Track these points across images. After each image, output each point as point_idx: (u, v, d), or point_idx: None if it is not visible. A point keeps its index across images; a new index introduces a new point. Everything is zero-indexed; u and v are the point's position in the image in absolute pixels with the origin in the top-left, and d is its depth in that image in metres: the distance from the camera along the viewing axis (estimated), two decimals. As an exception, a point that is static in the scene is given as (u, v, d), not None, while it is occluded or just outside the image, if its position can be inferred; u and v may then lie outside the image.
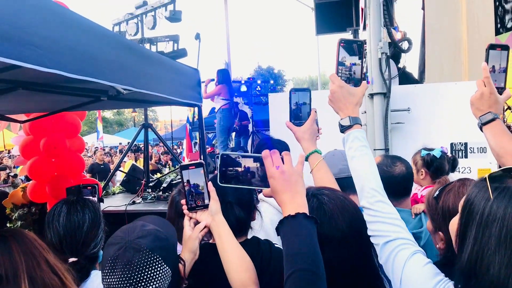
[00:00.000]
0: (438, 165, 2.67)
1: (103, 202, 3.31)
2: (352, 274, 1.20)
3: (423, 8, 6.17)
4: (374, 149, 3.47)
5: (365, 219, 1.28)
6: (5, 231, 1.38)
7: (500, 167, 1.47)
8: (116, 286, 1.19)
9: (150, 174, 5.15)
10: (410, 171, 2.29)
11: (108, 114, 43.17)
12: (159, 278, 1.21)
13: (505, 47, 1.56)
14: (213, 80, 8.31)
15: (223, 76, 8.18)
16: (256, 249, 1.50)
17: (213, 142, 11.84)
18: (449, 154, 2.87)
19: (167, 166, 12.05)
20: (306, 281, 1.01)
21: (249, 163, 1.24)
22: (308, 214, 1.12)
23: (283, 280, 1.04)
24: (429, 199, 1.59)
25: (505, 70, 1.57)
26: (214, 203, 1.40)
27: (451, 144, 3.53)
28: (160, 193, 4.43)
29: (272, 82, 16.83)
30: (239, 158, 1.25)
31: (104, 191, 4.87)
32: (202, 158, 4.43)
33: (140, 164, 7.81)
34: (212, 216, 1.39)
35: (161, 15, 3.97)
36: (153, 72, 2.47)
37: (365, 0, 3.59)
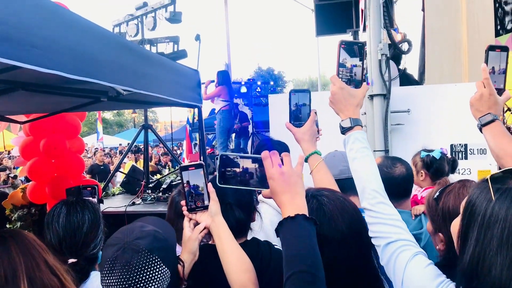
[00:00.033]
0: (437, 167, 2.67)
1: (102, 203, 3.31)
2: (352, 275, 1.19)
3: (423, 10, 6.18)
4: (374, 151, 3.47)
5: (366, 221, 1.28)
6: (5, 231, 1.37)
7: (500, 168, 1.47)
8: (115, 287, 1.18)
9: (150, 175, 5.15)
10: (410, 172, 2.29)
11: (108, 115, 43.18)
12: (158, 279, 1.21)
13: (504, 48, 1.56)
14: (213, 81, 8.32)
15: (223, 77, 8.18)
16: (256, 250, 1.50)
17: (213, 143, 11.84)
18: (448, 155, 2.87)
19: (167, 167, 12.05)
20: (305, 283, 1.01)
21: (248, 164, 1.24)
22: (307, 215, 1.12)
23: (282, 281, 1.04)
24: (429, 200, 1.59)
25: (504, 71, 1.57)
26: (214, 204, 1.40)
27: (451, 145, 3.53)
28: (160, 194, 4.42)
29: (272, 83, 16.82)
30: (238, 159, 1.25)
31: (104, 192, 4.87)
32: (202, 159, 4.43)
33: (140, 165, 7.81)
34: (212, 217, 1.39)
35: (161, 16, 3.98)
36: (153, 73, 2.47)
37: (365, 2, 3.59)
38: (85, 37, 1.72)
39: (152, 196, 4.37)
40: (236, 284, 1.31)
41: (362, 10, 3.76)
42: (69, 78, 1.59)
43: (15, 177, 9.20)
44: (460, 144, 3.51)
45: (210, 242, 1.53)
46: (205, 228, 1.40)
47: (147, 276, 1.19)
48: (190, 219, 1.44)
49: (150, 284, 1.19)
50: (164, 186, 4.60)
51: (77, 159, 4.13)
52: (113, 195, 5.01)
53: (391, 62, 4.20)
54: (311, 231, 1.09)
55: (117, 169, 6.15)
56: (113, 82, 1.96)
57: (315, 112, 1.72)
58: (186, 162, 4.14)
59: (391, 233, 1.21)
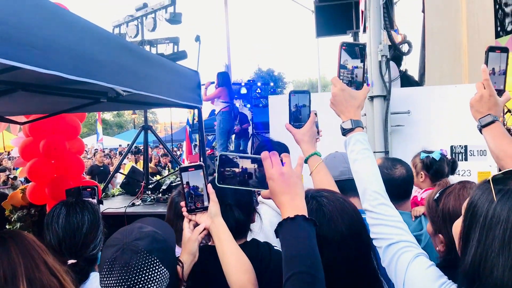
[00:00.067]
0: (437, 168, 2.67)
1: (102, 204, 3.31)
2: (351, 276, 1.19)
3: (423, 11, 6.18)
4: (374, 152, 3.47)
5: (368, 222, 1.28)
6: (4, 232, 1.37)
7: (499, 169, 1.47)
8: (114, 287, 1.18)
9: (149, 176, 5.15)
10: (411, 173, 2.29)
11: (108, 116, 43.19)
12: (157, 280, 1.21)
13: (504, 49, 1.56)
14: (213, 82, 8.33)
15: (223, 78, 8.19)
16: (255, 252, 1.50)
17: (213, 145, 11.85)
18: (448, 156, 2.87)
19: (167, 168, 12.05)
20: (305, 284, 1.00)
21: (248, 164, 1.24)
22: (307, 216, 1.12)
23: (282, 282, 1.04)
24: (430, 201, 1.59)
25: (504, 72, 1.57)
26: (214, 205, 1.40)
27: (451, 147, 3.52)
28: (160, 195, 4.43)
29: (272, 84, 16.82)
30: (238, 159, 1.25)
31: (104, 193, 4.87)
32: (201, 160, 4.43)
33: (140, 166, 7.81)
34: (212, 218, 1.39)
35: (161, 17, 3.99)
36: (153, 74, 2.47)
37: (365, 3, 3.59)
38: (85, 38, 1.72)
39: (152, 197, 4.37)
40: (235, 285, 1.30)
41: (362, 11, 3.76)
42: (69, 79, 1.59)
43: (15, 178, 9.19)
44: (460, 146, 3.51)
45: (209, 243, 1.53)
46: (204, 229, 1.40)
47: (146, 277, 1.19)
48: (190, 220, 1.43)
49: (149, 285, 1.19)
50: (164, 187, 4.60)
51: (76, 160, 4.13)
52: (113, 196, 5.01)
53: (392, 63, 4.21)
54: (310, 232, 1.09)
55: (117, 170, 6.15)
56: (112, 83, 1.96)
57: (315, 113, 1.72)
58: (186, 163, 4.14)
59: (393, 234, 1.21)
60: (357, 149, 1.38)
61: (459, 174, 3.32)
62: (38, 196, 3.91)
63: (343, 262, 1.18)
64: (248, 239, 1.59)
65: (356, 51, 1.46)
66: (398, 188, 2.17)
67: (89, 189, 2.43)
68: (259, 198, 2.11)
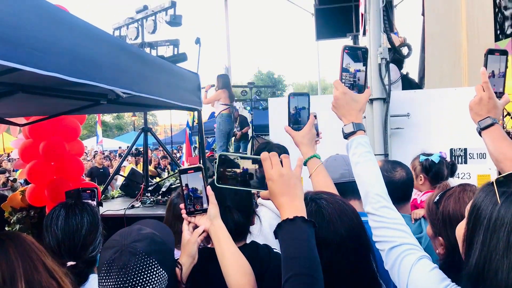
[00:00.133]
0: (436, 170, 2.66)
1: (102, 206, 3.30)
2: (350, 278, 1.19)
3: (423, 14, 6.20)
4: (374, 155, 3.45)
5: (370, 225, 1.28)
6: (3, 234, 1.37)
7: (499, 172, 1.47)
8: (113, 290, 1.18)
9: (149, 179, 5.14)
10: (410, 176, 2.28)
11: (108, 118, 43.21)
12: (155, 282, 1.21)
13: (503, 52, 1.56)
14: (213, 85, 8.34)
15: (223, 81, 8.20)
16: (255, 254, 1.50)
17: (212, 147, 11.85)
18: (448, 159, 2.87)
19: (166, 170, 12.05)
20: (304, 285, 1.00)
21: (247, 164, 1.24)
22: (306, 217, 1.12)
23: (281, 285, 1.04)
24: (430, 204, 1.59)
25: (504, 75, 1.57)
26: (213, 207, 1.40)
27: (451, 149, 3.52)
28: (159, 197, 4.42)
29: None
30: (237, 159, 1.25)
31: (103, 195, 4.86)
32: (201, 162, 4.43)
33: (140, 168, 7.81)
34: (211, 221, 1.39)
35: (162, 19, 3.99)
36: (153, 76, 2.47)
37: (365, 6, 3.60)
38: (85, 40, 1.73)
39: (152, 199, 4.37)
40: (235, 287, 1.30)
41: (362, 14, 3.77)
42: (69, 81, 1.59)
43: (15, 180, 9.19)
44: (459, 149, 3.51)
45: (209, 245, 1.53)
46: (204, 231, 1.40)
47: (144, 279, 1.19)
48: (189, 222, 1.43)
49: (147, 287, 1.19)
50: (163, 189, 4.60)
51: (76, 162, 4.13)
52: (112, 198, 5.00)
53: (394, 66, 4.21)
54: (309, 234, 1.09)
55: (117, 172, 6.14)
56: (112, 85, 1.96)
57: (315, 116, 1.72)
58: (185, 165, 4.14)
59: (395, 237, 1.21)
60: (359, 152, 1.39)
61: (458, 177, 3.31)
62: (37, 198, 3.91)
63: (342, 264, 1.18)
64: (248, 241, 1.59)
65: (359, 54, 1.47)
66: (398, 190, 2.17)
67: (89, 191, 2.42)
68: (259, 200, 2.11)
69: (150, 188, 4.70)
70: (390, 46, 3.66)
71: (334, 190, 1.57)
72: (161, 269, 1.23)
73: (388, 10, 3.77)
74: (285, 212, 1.14)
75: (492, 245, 0.92)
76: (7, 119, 3.50)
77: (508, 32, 4.88)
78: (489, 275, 0.91)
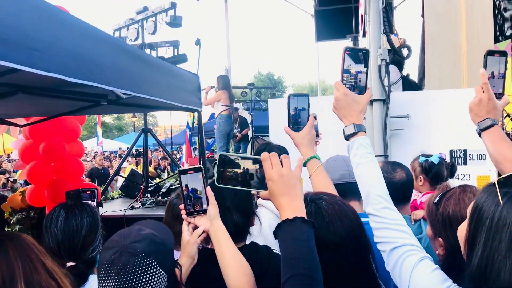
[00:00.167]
0: (436, 172, 2.66)
1: (102, 207, 3.30)
2: (350, 279, 1.19)
3: (422, 15, 6.20)
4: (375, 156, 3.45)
5: (371, 226, 1.28)
6: (2, 234, 1.37)
7: (499, 173, 1.47)
8: (112, 290, 1.18)
9: (149, 179, 5.14)
10: (410, 177, 2.29)
11: (108, 119, 43.21)
12: (154, 283, 1.21)
13: (503, 53, 1.57)
14: (213, 87, 8.35)
15: (223, 82, 8.21)
16: (254, 255, 1.50)
17: (212, 148, 11.85)
18: (448, 160, 2.87)
19: (166, 171, 12.05)
20: (303, 286, 1.00)
21: (247, 164, 1.24)
22: (306, 218, 1.12)
23: (280, 285, 1.04)
24: (430, 205, 1.59)
25: (503, 76, 1.57)
26: (213, 208, 1.40)
27: (450, 151, 3.52)
28: (159, 198, 4.42)
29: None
30: (238, 159, 1.25)
31: (103, 196, 4.86)
32: (201, 163, 4.43)
33: (141, 169, 7.82)
34: (211, 221, 1.39)
35: (162, 20, 4.00)
36: (153, 77, 2.48)
37: (365, 7, 3.60)
38: (85, 41, 1.73)
39: (151, 200, 4.37)
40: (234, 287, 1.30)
41: (362, 16, 3.77)
42: (69, 82, 1.59)
43: (15, 181, 9.19)
44: (459, 150, 3.51)
45: (208, 246, 1.53)
46: (203, 231, 1.40)
47: (144, 280, 1.19)
48: (189, 222, 1.43)
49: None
50: (163, 190, 4.60)
51: (76, 162, 4.13)
52: (112, 198, 5.00)
53: (394, 67, 4.21)
54: (309, 234, 1.09)
55: (117, 173, 6.14)
56: (113, 86, 1.96)
57: (314, 117, 1.72)
58: (185, 166, 4.14)
59: (397, 238, 1.21)
60: (360, 153, 1.39)
61: (458, 178, 3.31)
62: (37, 199, 3.91)
63: (341, 265, 1.18)
64: (247, 242, 1.59)
65: (360, 56, 1.47)
66: (398, 191, 2.17)
67: (89, 192, 2.42)
68: (259, 201, 2.11)
69: (150, 189, 4.70)
70: (390, 48, 3.66)
71: (333, 191, 1.58)
72: (160, 270, 1.23)
73: (388, 11, 3.77)
74: (284, 212, 1.14)
75: (495, 246, 0.92)
76: (7, 119, 3.50)
77: (508, 33, 4.88)
78: (491, 275, 0.91)
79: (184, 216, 1.43)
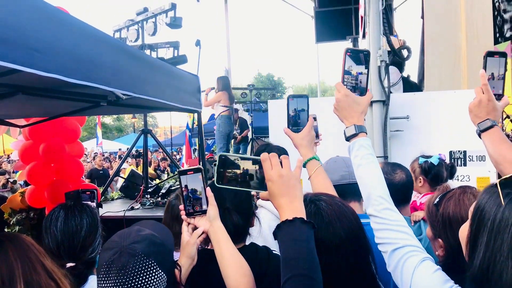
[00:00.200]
0: (436, 173, 2.66)
1: (101, 208, 3.30)
2: (349, 280, 1.19)
3: (422, 17, 6.20)
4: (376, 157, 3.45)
5: (373, 227, 1.28)
6: (2, 235, 1.37)
7: (499, 174, 1.47)
8: (112, 291, 1.18)
9: (149, 180, 5.14)
10: (410, 178, 2.29)
11: (108, 120, 43.19)
12: (154, 283, 1.20)
13: (503, 54, 1.57)
14: (213, 88, 8.35)
15: (223, 83, 8.22)
16: (254, 256, 1.50)
17: (212, 149, 11.85)
18: (447, 161, 2.87)
19: (166, 172, 12.04)
20: (303, 287, 1.00)
21: (247, 165, 1.24)
22: (305, 219, 1.12)
23: (280, 286, 1.04)
24: (430, 206, 1.59)
25: (503, 77, 1.57)
26: (212, 209, 1.40)
27: (450, 152, 3.52)
28: (159, 199, 4.42)
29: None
30: (237, 160, 1.25)
31: (103, 197, 4.86)
32: (201, 164, 4.43)
33: (141, 170, 7.81)
34: (210, 222, 1.39)
35: (162, 21, 4.00)
36: (153, 78, 2.48)
37: (365, 9, 3.61)
38: (85, 41, 1.73)
39: (151, 201, 4.37)
40: (234, 289, 1.30)
41: (361, 17, 3.78)
42: (69, 82, 1.59)
43: (15, 182, 9.18)
44: (459, 151, 3.51)
45: (208, 247, 1.53)
46: (203, 232, 1.40)
47: (143, 280, 1.19)
48: (189, 223, 1.43)
49: (146, 288, 1.19)
50: (163, 191, 4.60)
51: (76, 163, 4.13)
52: (112, 199, 5.00)
53: (394, 68, 4.22)
54: (309, 235, 1.09)
55: (116, 173, 6.14)
56: (112, 87, 1.96)
57: (314, 118, 1.72)
58: (185, 167, 4.14)
59: (398, 239, 1.21)
60: (361, 154, 1.39)
61: (458, 179, 3.31)
62: (37, 199, 3.91)
63: (341, 266, 1.18)
64: (247, 243, 1.58)
65: (361, 57, 1.48)
66: (398, 193, 2.16)
67: (88, 193, 2.42)
68: (258, 202, 2.11)
69: (149, 190, 4.70)
70: (389, 49, 3.67)
71: (333, 192, 1.58)
72: (160, 271, 1.23)
73: (387, 12, 3.78)
74: (284, 213, 1.14)
75: (497, 247, 0.92)
76: (7, 120, 3.50)
77: (508, 35, 4.89)
78: (493, 276, 0.91)
79: (183, 216, 1.43)
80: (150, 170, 9.27)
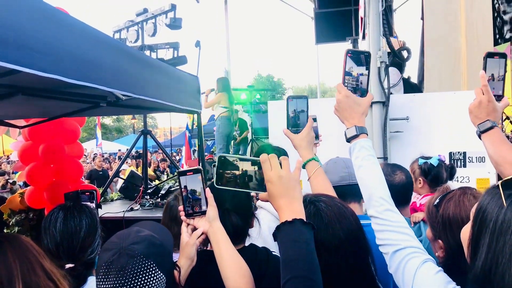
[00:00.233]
0: (435, 174, 2.66)
1: (101, 208, 3.30)
2: (349, 281, 1.19)
3: (422, 18, 6.21)
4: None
5: (374, 228, 1.28)
6: (1, 236, 1.37)
7: (498, 176, 1.46)
8: (111, 292, 1.18)
9: (148, 181, 5.14)
10: (410, 180, 2.28)
11: (108, 120, 43.19)
12: (153, 284, 1.20)
13: (502, 55, 1.57)
14: (213, 90, 8.36)
15: (223, 84, 8.22)
16: (254, 257, 1.49)
17: (212, 150, 11.85)
18: (447, 162, 2.86)
19: (165, 173, 12.04)
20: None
21: (247, 166, 1.24)
22: (305, 220, 1.11)
23: (280, 287, 1.04)
24: (430, 207, 1.59)
25: (503, 78, 1.57)
26: (212, 210, 1.40)
27: (450, 153, 3.52)
28: (158, 200, 4.42)
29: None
30: (237, 161, 1.25)
31: (103, 198, 4.86)
32: (200, 165, 4.43)
33: (140, 171, 7.81)
34: (210, 223, 1.38)
35: (162, 22, 4.00)
36: (152, 79, 2.48)
37: (365, 10, 3.61)
38: (85, 42, 1.73)
39: (151, 202, 4.36)
40: (233, 290, 1.30)
41: (361, 18, 3.78)
42: (69, 83, 1.59)
43: (14, 182, 9.18)
44: (459, 152, 3.51)
45: (207, 248, 1.52)
46: (202, 233, 1.40)
47: (142, 281, 1.18)
48: (188, 224, 1.43)
49: (146, 289, 1.18)
50: (162, 192, 4.60)
51: (76, 164, 4.13)
52: (112, 200, 5.00)
53: (395, 69, 4.22)
54: (308, 236, 1.09)
55: (116, 174, 6.14)
56: (112, 87, 1.96)
57: (314, 119, 1.72)
58: (185, 168, 4.14)
59: (399, 240, 1.21)
60: (362, 155, 1.39)
61: (457, 181, 3.31)
62: (36, 200, 3.90)
63: (341, 267, 1.18)
64: (246, 244, 1.58)
65: (362, 58, 1.48)
66: (397, 194, 2.15)
67: (88, 193, 2.42)
68: (258, 203, 2.11)
69: (149, 191, 4.70)
70: (389, 50, 3.67)
71: (332, 193, 1.57)
72: (159, 272, 1.22)
73: (387, 14, 3.78)
74: (284, 214, 1.13)
75: (499, 248, 0.92)
76: (6, 121, 3.49)
77: (507, 36, 4.89)
78: (495, 278, 0.91)
79: (183, 217, 1.42)
80: (150, 171, 9.27)
